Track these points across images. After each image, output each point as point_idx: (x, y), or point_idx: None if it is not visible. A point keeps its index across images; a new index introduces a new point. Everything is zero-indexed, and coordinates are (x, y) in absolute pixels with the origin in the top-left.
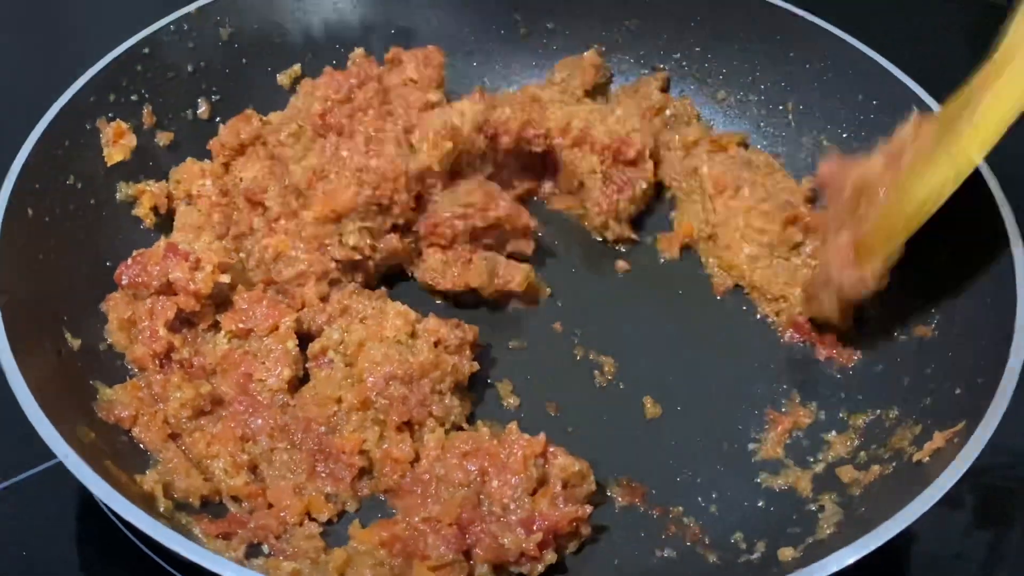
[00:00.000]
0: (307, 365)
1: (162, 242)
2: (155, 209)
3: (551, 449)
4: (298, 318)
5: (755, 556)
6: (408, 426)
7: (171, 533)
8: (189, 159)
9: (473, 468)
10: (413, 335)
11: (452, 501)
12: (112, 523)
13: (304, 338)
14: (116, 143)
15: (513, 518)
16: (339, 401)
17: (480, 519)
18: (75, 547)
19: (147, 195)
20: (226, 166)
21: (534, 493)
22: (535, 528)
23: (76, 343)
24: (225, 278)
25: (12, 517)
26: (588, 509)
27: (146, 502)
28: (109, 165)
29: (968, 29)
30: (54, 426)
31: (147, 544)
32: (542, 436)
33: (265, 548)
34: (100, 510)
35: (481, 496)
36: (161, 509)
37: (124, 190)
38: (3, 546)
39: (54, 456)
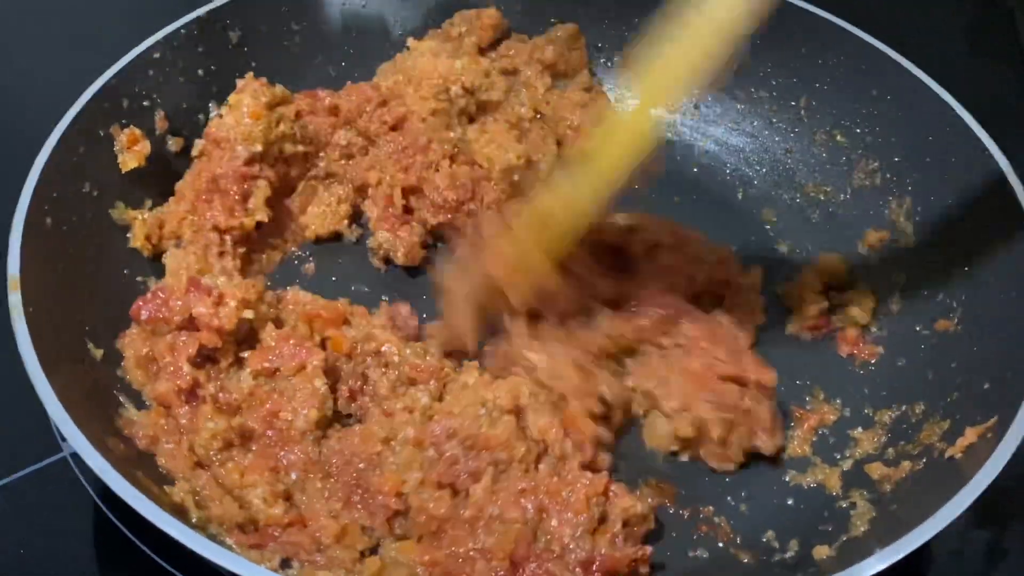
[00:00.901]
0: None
1: (184, 275)
2: (149, 238)
3: (612, 488)
4: (326, 358)
5: (789, 555)
6: (450, 485)
7: (216, 547)
8: (171, 199)
9: (529, 506)
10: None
11: (507, 535)
12: (110, 521)
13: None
14: (130, 149)
15: (572, 557)
16: (387, 441)
17: (535, 556)
18: (73, 545)
19: (139, 223)
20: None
21: (593, 532)
22: (595, 569)
23: (99, 353)
24: (249, 314)
25: (9, 515)
26: (649, 550)
27: (178, 514)
28: (124, 172)
29: (967, 26)
30: (88, 439)
31: (148, 544)
32: (604, 475)
33: (295, 564)
34: (98, 508)
35: (536, 533)
36: (194, 520)
37: (118, 214)
38: (1, 545)
39: (49, 455)
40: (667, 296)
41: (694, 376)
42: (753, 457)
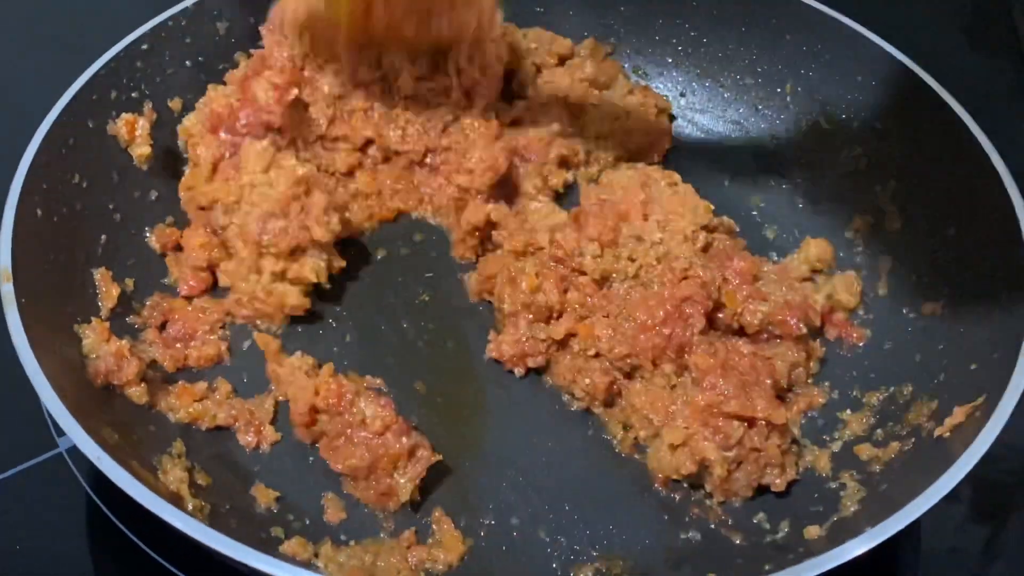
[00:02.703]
0: None
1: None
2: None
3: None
4: None
5: (780, 536)
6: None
7: (211, 532)
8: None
9: None
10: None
11: None
12: (105, 515)
13: None
14: (133, 136)
15: None
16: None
17: None
18: (68, 540)
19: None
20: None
21: None
22: None
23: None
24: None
25: (4, 511)
26: None
27: (174, 501)
28: (141, 163)
29: (965, 19)
30: (83, 428)
31: (143, 539)
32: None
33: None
34: (93, 503)
35: None
36: (189, 508)
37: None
38: None
39: (44, 451)
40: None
41: (698, 411)
42: None
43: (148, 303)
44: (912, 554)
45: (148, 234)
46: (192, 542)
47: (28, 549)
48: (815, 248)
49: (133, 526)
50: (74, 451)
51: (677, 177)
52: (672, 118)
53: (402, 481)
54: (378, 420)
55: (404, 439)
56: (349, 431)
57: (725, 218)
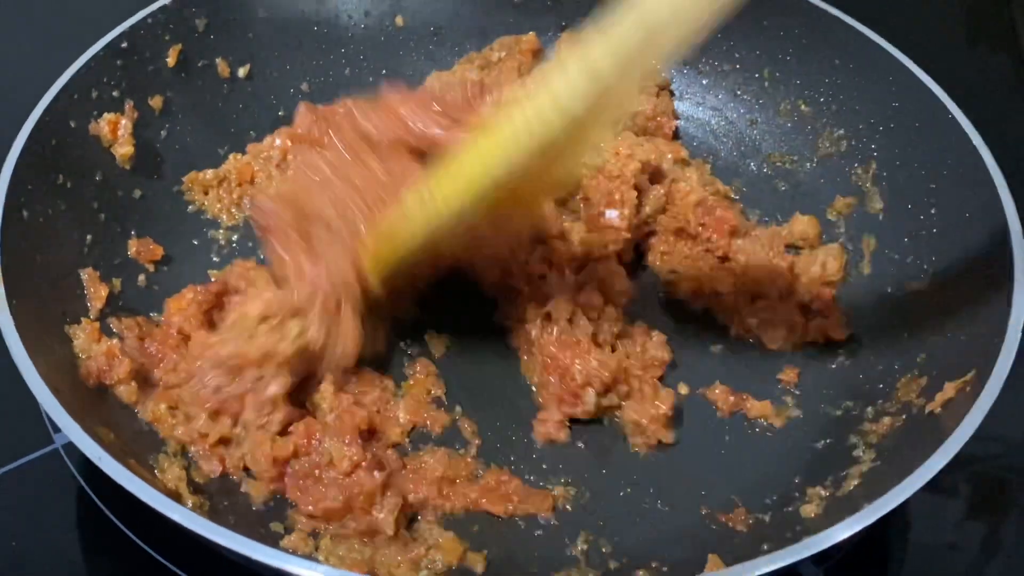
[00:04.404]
0: None
1: None
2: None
3: None
4: None
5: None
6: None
7: (215, 527)
8: None
9: None
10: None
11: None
12: (101, 512)
13: None
14: (116, 136)
15: None
16: None
17: None
18: (64, 537)
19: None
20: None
21: None
22: None
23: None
24: None
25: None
26: None
27: (174, 499)
28: (124, 162)
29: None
30: (82, 428)
31: (140, 535)
32: None
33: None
34: (90, 499)
35: None
36: (189, 505)
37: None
38: None
39: (40, 447)
40: None
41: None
42: (739, 419)
43: (126, 322)
44: (901, 550)
45: (132, 235)
46: (195, 538)
47: (23, 545)
48: (801, 224)
49: (128, 522)
50: (69, 447)
51: (685, 153)
52: (672, 95)
53: (382, 516)
54: (346, 460)
55: (376, 473)
56: (317, 471)
57: (720, 184)
